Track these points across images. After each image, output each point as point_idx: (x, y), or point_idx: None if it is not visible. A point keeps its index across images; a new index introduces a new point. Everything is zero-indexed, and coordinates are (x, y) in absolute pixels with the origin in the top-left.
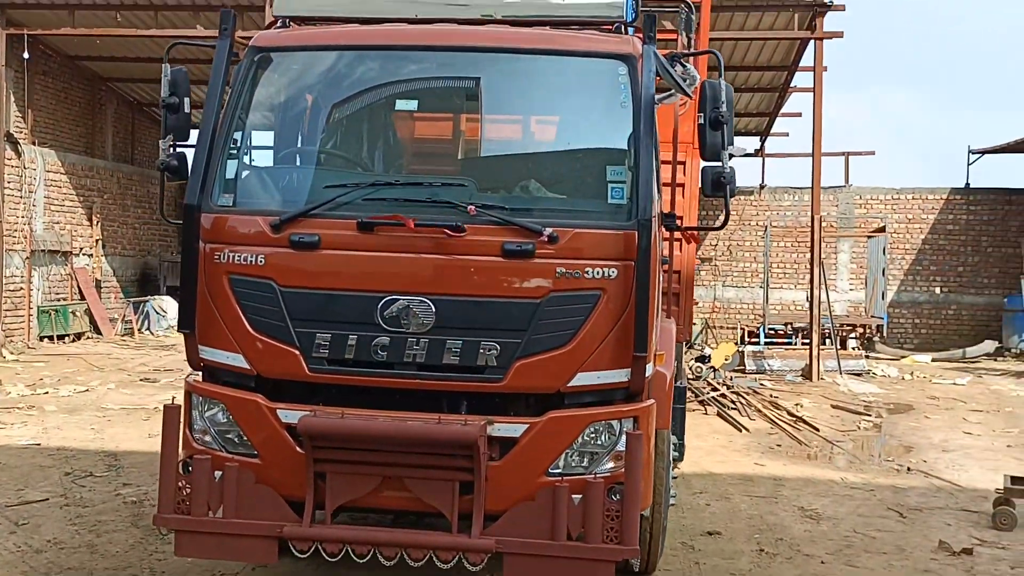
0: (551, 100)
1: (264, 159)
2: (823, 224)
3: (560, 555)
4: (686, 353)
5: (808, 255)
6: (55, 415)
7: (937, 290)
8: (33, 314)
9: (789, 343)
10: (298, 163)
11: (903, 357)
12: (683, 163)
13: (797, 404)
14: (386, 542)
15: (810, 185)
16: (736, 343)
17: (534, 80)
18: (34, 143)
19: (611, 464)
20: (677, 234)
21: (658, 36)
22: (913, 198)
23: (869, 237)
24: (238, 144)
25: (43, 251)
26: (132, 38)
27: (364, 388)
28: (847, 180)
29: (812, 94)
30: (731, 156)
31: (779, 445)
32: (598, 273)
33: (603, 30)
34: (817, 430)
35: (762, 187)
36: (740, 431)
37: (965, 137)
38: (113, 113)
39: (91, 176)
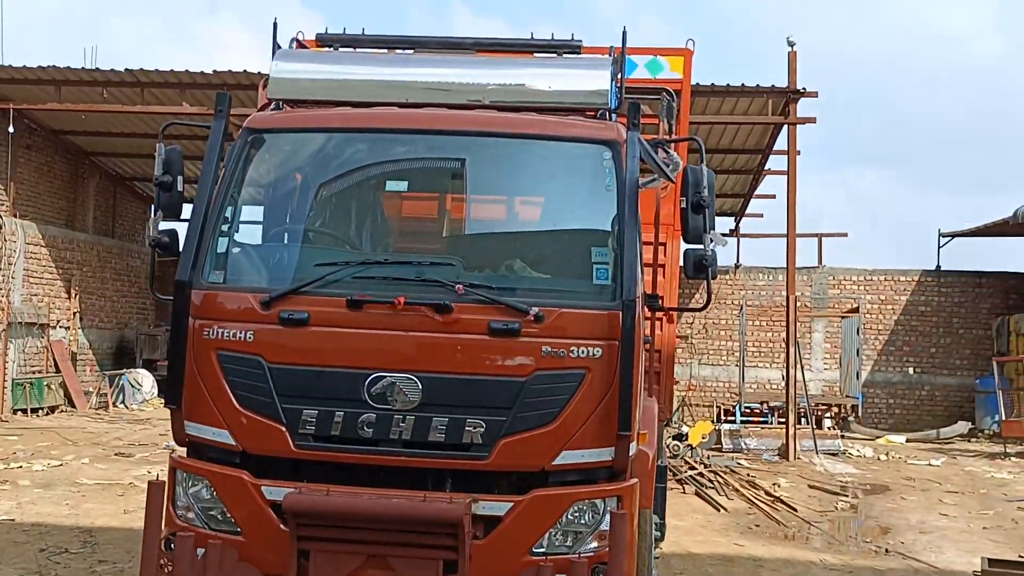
0: (538, 182)
1: (255, 236)
2: (797, 304)
3: None
4: (665, 431)
5: (783, 334)
6: (29, 489)
7: (911, 370)
8: (7, 386)
9: (765, 422)
10: (288, 241)
11: (878, 437)
12: (664, 244)
13: (774, 484)
14: None
15: (784, 265)
16: (713, 421)
17: (521, 163)
18: (15, 215)
19: (595, 543)
20: (658, 314)
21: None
22: (885, 279)
23: (843, 317)
24: (230, 222)
25: (20, 323)
26: (117, 114)
27: (349, 465)
28: (820, 261)
29: (786, 177)
30: (712, 241)
31: (757, 525)
32: (583, 352)
33: (588, 116)
34: (795, 510)
35: (737, 266)
36: (718, 510)
37: (935, 218)
38: (95, 187)
39: (71, 249)
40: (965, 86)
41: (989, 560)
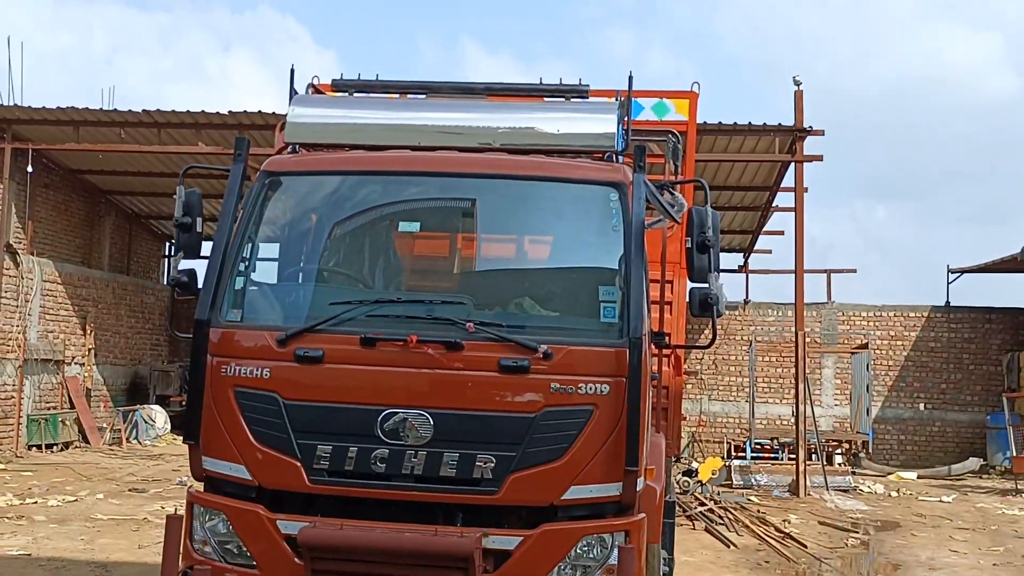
0: (547, 223)
1: (272, 276)
2: (807, 340)
3: None
4: (674, 467)
5: (793, 370)
6: (44, 525)
7: (921, 406)
8: (23, 423)
9: (775, 458)
10: (304, 280)
11: (889, 473)
12: (671, 282)
13: (785, 520)
14: None
15: (793, 301)
16: (723, 457)
17: (530, 204)
18: (32, 253)
19: None
20: (666, 350)
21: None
22: (895, 315)
23: (853, 353)
24: (248, 262)
25: (36, 360)
26: (134, 153)
27: (362, 499)
28: (829, 296)
29: (794, 213)
30: (717, 280)
31: (767, 561)
32: (591, 389)
33: (595, 158)
34: (805, 547)
35: (746, 302)
36: (728, 547)
37: (944, 252)
38: (111, 225)
39: (87, 286)
40: (975, 121)
41: None
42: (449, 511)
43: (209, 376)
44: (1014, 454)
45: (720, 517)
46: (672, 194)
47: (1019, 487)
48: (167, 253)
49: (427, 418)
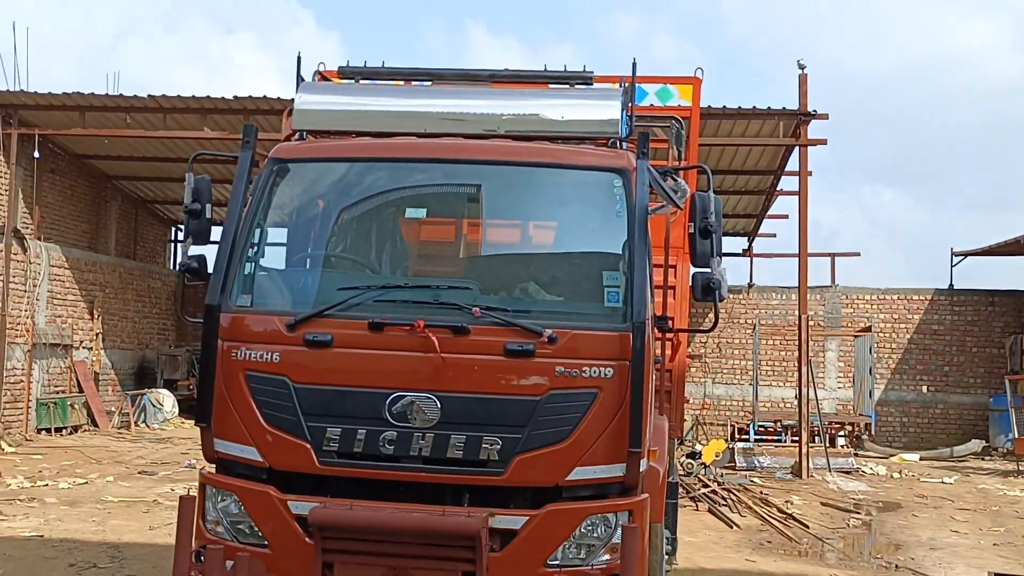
0: (551, 209)
1: (281, 262)
2: (811, 323)
3: None
4: (677, 449)
5: (796, 353)
6: (56, 507)
7: (924, 389)
8: (32, 406)
9: (779, 440)
10: (312, 265)
11: (891, 455)
12: (674, 266)
13: (787, 501)
14: None
15: (797, 285)
16: (726, 440)
17: (535, 190)
18: (39, 238)
19: (607, 556)
20: (669, 334)
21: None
22: (898, 298)
23: (856, 336)
24: (257, 247)
25: (44, 344)
26: (140, 139)
27: (371, 480)
28: (833, 280)
29: (798, 197)
30: (720, 264)
31: (769, 542)
32: (595, 372)
33: (599, 144)
34: (807, 527)
35: (750, 286)
36: (731, 527)
37: (949, 236)
38: (117, 209)
39: (93, 271)
40: (983, 105)
41: (996, 575)
42: (456, 492)
43: (220, 360)
44: (1016, 436)
45: (723, 498)
46: (675, 180)
47: (1021, 468)
48: (173, 238)
49: (434, 401)
